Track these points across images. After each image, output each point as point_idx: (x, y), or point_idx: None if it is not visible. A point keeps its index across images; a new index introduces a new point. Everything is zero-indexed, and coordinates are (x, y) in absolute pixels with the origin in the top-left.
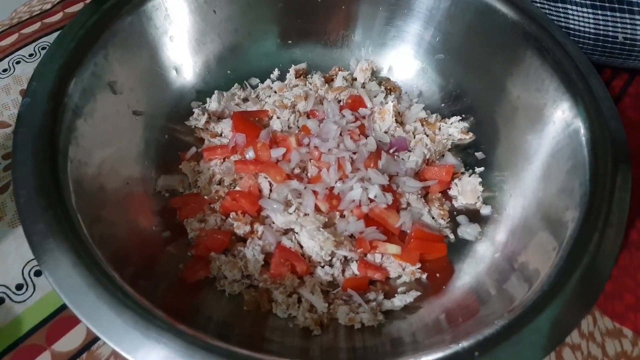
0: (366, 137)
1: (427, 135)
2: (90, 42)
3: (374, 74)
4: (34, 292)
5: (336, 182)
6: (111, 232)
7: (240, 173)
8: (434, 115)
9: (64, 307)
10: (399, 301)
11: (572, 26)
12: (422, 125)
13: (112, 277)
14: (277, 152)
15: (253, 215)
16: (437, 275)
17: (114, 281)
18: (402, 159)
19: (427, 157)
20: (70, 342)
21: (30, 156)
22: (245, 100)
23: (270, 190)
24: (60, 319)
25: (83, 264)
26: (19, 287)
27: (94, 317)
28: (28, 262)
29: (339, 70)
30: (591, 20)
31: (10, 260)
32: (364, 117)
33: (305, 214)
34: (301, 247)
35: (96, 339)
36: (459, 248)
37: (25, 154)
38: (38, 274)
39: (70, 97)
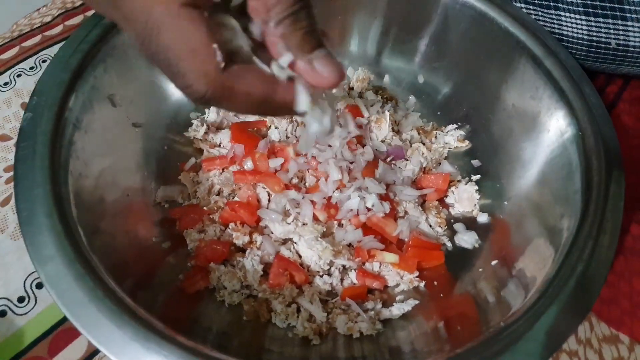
0: (363, 146)
1: (424, 144)
2: (91, 55)
3: (370, 83)
4: (35, 304)
5: (334, 192)
6: (111, 243)
7: (239, 183)
8: (430, 124)
9: (65, 319)
10: (397, 310)
11: (565, 32)
12: (419, 133)
13: (112, 289)
14: (275, 162)
15: (252, 225)
16: (435, 283)
17: (115, 293)
18: (399, 167)
19: (424, 165)
20: (72, 354)
21: (31, 170)
22: None
23: (269, 201)
24: (62, 331)
25: (84, 276)
26: (20, 299)
27: (95, 330)
28: (30, 274)
29: None
30: (584, 27)
31: (12, 273)
32: (360, 127)
33: (304, 224)
34: (300, 256)
35: (98, 350)
36: (457, 256)
37: (27, 168)
38: (40, 286)
39: (71, 111)
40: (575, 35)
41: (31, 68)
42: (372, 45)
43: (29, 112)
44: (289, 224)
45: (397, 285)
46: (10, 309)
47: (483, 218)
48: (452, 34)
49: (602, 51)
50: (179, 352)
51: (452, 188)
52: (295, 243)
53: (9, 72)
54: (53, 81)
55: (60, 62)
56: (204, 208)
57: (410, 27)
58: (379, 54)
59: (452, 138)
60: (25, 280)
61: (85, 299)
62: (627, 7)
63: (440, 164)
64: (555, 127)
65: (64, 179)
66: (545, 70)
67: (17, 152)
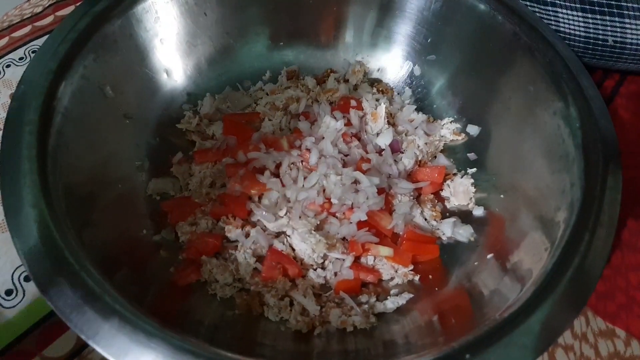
0: (358, 139)
1: (428, 135)
2: (80, 44)
3: (366, 75)
4: (23, 297)
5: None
6: (101, 236)
7: (231, 176)
8: (426, 117)
9: (54, 312)
10: (391, 303)
11: (562, 29)
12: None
13: (100, 281)
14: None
15: (243, 218)
16: (430, 276)
17: (102, 285)
18: (395, 160)
19: (420, 158)
20: (60, 347)
21: (17, 160)
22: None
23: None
24: (50, 324)
25: (71, 267)
26: (8, 292)
27: (82, 322)
28: (18, 267)
29: (331, 72)
30: (581, 24)
31: None
32: (349, 124)
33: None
34: (293, 250)
35: (87, 344)
36: (452, 249)
37: (14, 159)
38: (28, 279)
39: (59, 101)
40: (572, 32)
41: (20, 59)
42: (367, 36)
43: (15, 101)
44: (282, 217)
45: (392, 278)
46: None
47: (479, 211)
48: (448, 26)
49: (600, 48)
50: (167, 344)
51: (448, 181)
52: (289, 236)
53: None
54: (41, 70)
55: (48, 50)
56: (196, 200)
57: (405, 18)
58: (374, 45)
59: (448, 131)
60: (13, 272)
61: (72, 291)
62: (624, 4)
63: (435, 157)
64: (552, 119)
65: (51, 170)
66: (542, 62)
67: (2, 142)
